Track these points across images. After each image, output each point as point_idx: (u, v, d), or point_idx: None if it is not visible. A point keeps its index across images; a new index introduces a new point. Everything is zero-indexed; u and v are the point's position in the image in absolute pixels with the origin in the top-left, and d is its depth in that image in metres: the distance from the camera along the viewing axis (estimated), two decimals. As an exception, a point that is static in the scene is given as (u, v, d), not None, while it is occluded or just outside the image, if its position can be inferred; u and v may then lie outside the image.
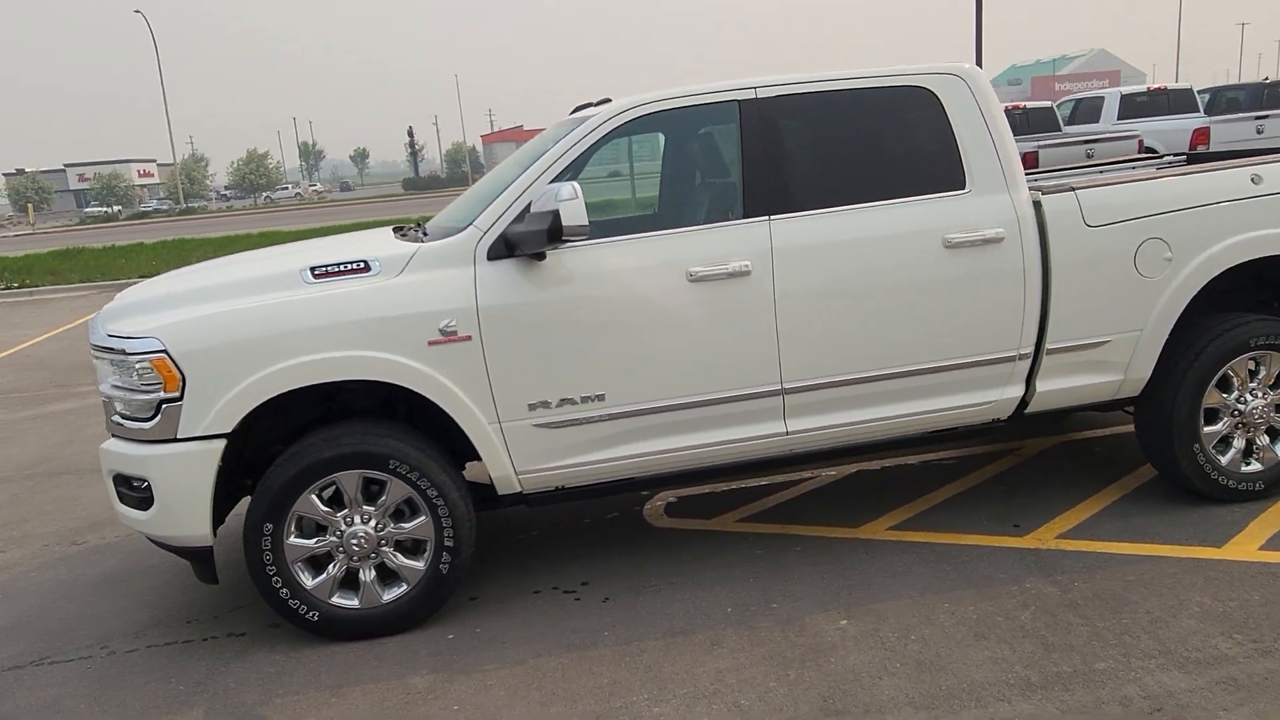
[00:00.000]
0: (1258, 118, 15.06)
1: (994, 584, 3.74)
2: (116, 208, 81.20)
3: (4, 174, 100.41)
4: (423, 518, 3.71)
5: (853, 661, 3.29)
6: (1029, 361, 4.07)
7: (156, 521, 3.64)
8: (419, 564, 3.75)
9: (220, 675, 3.57)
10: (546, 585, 4.10)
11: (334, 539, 3.67)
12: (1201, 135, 14.19)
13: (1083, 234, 4.00)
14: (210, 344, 3.51)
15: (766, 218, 3.84)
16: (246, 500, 3.86)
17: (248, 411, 3.53)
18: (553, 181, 3.70)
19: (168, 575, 4.47)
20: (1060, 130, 15.63)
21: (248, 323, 3.54)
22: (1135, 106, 16.19)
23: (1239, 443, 4.28)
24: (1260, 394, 4.25)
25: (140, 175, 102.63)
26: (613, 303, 3.73)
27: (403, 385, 3.60)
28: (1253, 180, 4.12)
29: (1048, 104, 16.51)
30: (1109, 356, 4.11)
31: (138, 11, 57.04)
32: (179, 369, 3.48)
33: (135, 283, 5.25)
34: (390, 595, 3.75)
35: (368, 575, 3.72)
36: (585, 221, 3.49)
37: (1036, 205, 4.00)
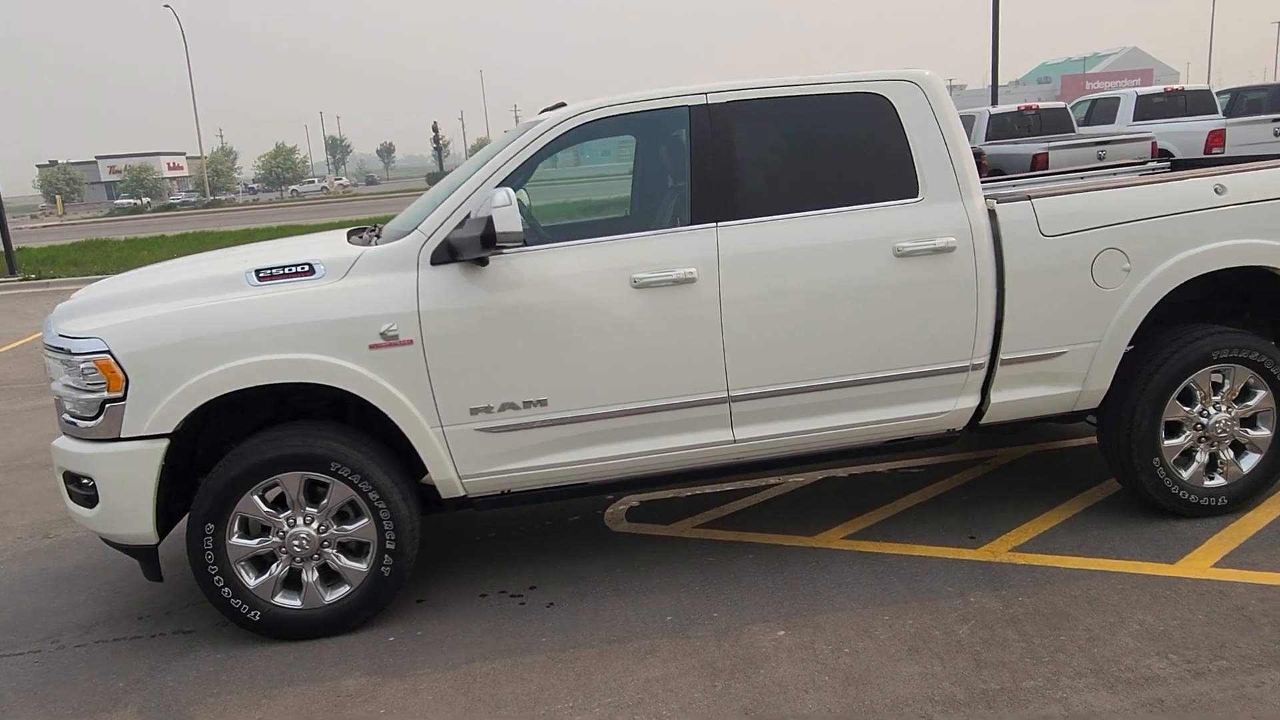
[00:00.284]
0: (1275, 120, 14.76)
1: (938, 597, 3.70)
2: (145, 200, 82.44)
3: (37, 165, 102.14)
4: (365, 520, 3.73)
5: (782, 673, 3.27)
6: (983, 372, 4.02)
7: (102, 519, 3.68)
8: (361, 565, 3.77)
9: (160, 673, 3.61)
10: (495, 589, 4.11)
11: (277, 540, 3.70)
12: (1217, 138, 13.92)
13: (1038, 243, 3.94)
14: (152, 345, 3.54)
15: (714, 224, 3.82)
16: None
17: (189, 412, 3.56)
18: (497, 187, 3.70)
19: (127, 571, 4.51)
20: (1074, 131, 15.45)
21: (190, 324, 3.57)
22: (1151, 107, 15.95)
23: (1202, 457, 4.20)
24: (1224, 407, 4.16)
25: (170, 168, 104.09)
26: (556, 308, 3.72)
27: (343, 389, 3.61)
28: (1216, 190, 4.03)
29: (1061, 104, 16.32)
30: (1066, 368, 4.05)
31: (166, 5, 57.65)
32: (122, 369, 3.52)
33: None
34: (333, 596, 3.77)
35: (310, 576, 3.74)
36: (519, 228, 3.48)
37: (991, 214, 3.95)
